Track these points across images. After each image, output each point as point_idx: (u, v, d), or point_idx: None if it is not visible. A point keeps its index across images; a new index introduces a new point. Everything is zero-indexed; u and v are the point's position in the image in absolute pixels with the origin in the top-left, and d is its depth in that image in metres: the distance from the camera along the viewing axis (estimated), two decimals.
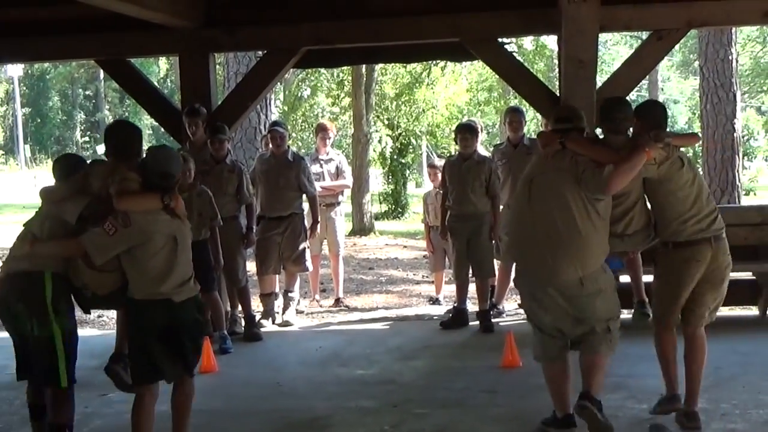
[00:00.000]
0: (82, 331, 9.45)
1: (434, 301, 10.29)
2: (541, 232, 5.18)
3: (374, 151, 23.42)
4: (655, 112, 5.60)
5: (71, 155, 6.11)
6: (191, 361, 4.98)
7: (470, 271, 8.63)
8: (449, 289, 10.06)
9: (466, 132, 8.76)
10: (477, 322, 8.51)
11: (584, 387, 5.20)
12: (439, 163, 9.93)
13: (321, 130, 10.22)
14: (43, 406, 5.14)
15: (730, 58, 15.39)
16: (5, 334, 5.16)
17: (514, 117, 9.09)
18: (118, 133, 5.31)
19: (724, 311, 8.96)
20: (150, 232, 4.74)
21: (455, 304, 8.85)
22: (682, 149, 5.55)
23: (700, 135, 5.41)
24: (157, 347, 4.78)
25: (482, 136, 10.40)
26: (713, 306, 5.52)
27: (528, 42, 26.03)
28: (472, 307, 8.94)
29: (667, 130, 5.54)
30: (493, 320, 8.52)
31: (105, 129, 5.48)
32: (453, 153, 11.32)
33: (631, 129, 5.44)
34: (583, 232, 5.11)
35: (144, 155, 5.05)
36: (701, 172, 15.85)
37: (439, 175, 9.25)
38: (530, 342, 5.50)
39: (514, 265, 6.18)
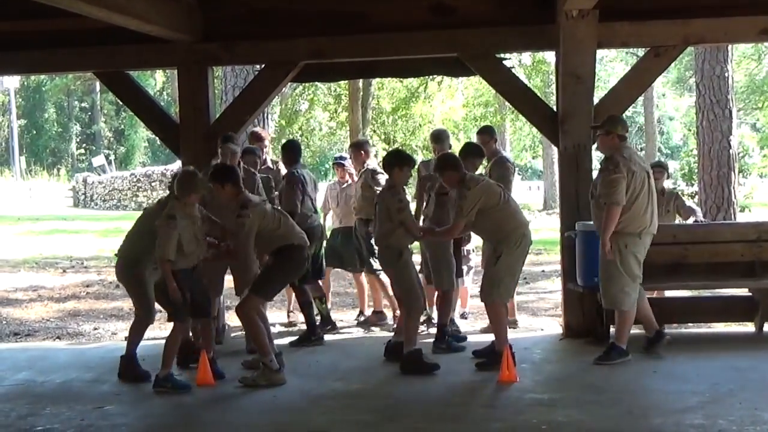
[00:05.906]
0: (76, 344, 9.53)
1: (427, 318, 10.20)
2: None
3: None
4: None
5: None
6: None
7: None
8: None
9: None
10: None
11: None
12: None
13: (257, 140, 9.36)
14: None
15: (725, 75, 15.43)
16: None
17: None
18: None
19: (720, 327, 8.99)
20: None
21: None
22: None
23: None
24: None
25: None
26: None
27: (527, 57, 26.14)
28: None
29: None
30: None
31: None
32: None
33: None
34: None
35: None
36: (697, 189, 15.97)
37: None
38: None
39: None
